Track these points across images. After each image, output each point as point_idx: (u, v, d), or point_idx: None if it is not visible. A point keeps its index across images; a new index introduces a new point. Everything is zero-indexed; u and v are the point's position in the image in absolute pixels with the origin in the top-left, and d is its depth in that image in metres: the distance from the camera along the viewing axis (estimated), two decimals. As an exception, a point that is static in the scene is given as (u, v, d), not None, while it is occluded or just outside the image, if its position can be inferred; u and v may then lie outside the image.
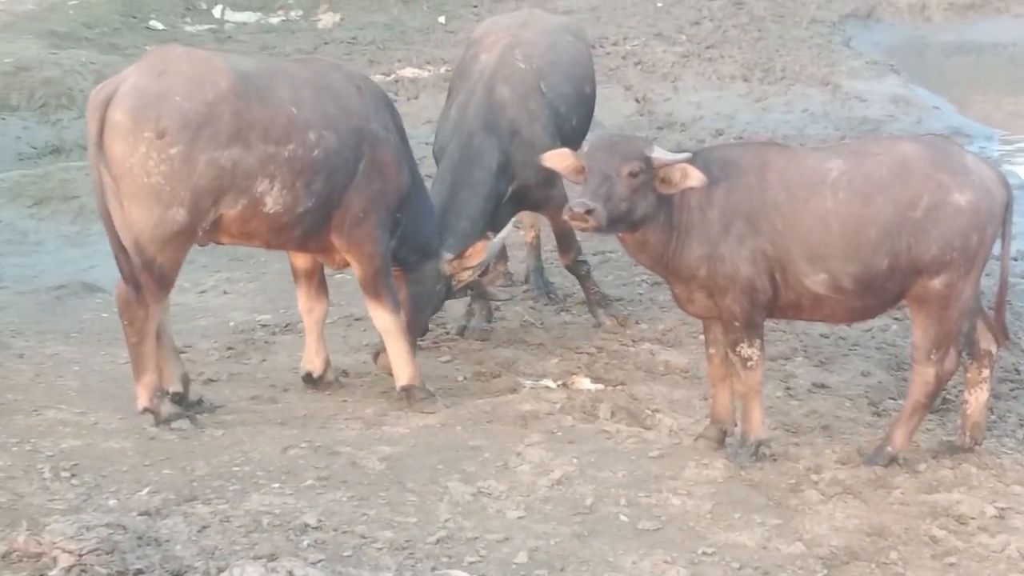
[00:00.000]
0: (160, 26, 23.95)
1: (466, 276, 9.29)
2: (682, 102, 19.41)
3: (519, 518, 7.16)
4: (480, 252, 9.22)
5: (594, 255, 12.06)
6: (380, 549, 6.62)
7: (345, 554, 6.51)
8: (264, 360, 9.83)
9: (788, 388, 9.37)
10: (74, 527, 6.17)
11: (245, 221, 8.08)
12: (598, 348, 10.02)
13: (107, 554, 6.02)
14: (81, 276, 12.19)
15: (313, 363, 9.02)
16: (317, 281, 8.97)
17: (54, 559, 6.01)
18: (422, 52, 22.58)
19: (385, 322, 8.69)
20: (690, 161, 7.56)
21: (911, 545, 7.03)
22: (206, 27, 24.42)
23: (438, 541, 6.79)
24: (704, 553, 6.84)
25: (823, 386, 9.48)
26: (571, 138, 9.83)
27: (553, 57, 10.32)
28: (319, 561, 6.26)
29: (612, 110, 18.12)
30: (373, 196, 8.46)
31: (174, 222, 7.77)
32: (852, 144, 8.72)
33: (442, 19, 25.39)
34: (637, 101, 19.34)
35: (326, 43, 23.57)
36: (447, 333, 10.46)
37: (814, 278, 7.65)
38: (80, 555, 5.99)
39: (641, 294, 11.42)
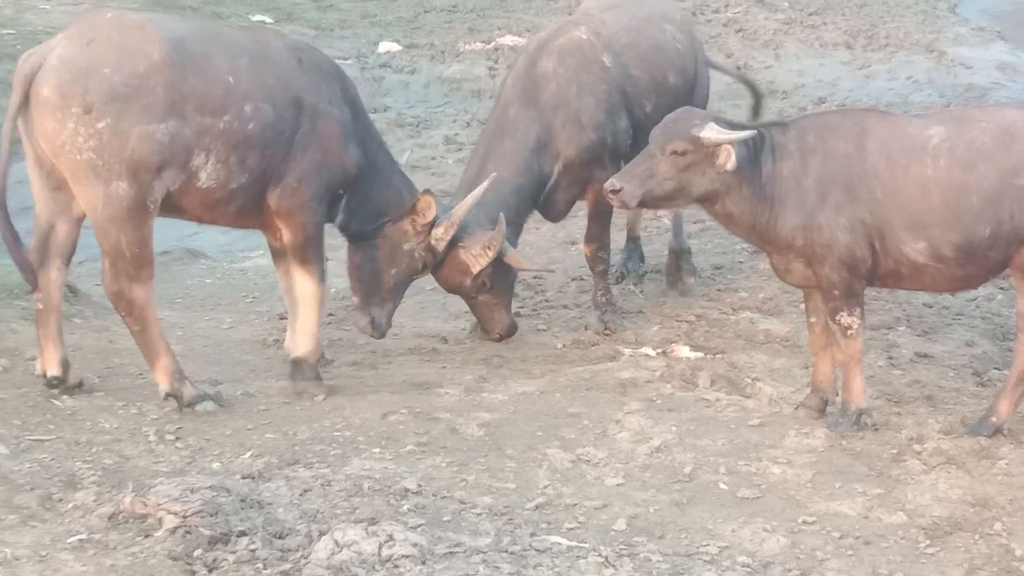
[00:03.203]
0: (262, -7, 24.06)
1: (440, 233, 8.77)
2: (784, 70, 19.25)
3: (618, 485, 7.17)
4: (429, 207, 8.68)
5: (694, 223, 12.01)
6: (479, 514, 6.66)
7: (444, 519, 6.56)
8: (365, 327, 9.89)
9: (891, 358, 9.29)
10: (179, 489, 6.27)
11: (179, 197, 7.80)
12: (697, 316, 9.98)
13: (211, 516, 6.11)
14: (185, 242, 12.30)
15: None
16: None
17: (159, 520, 6.12)
18: (522, 20, 22.51)
19: (306, 289, 8.42)
20: (761, 135, 7.56)
21: (1016, 516, 6.94)
22: (307, -7, 24.48)
23: (537, 507, 6.82)
24: (804, 522, 6.81)
25: (926, 356, 9.38)
26: (644, 124, 9.09)
27: (630, 38, 9.83)
28: (419, 526, 6.30)
29: (713, 78, 17.95)
30: (310, 168, 8.14)
31: (119, 197, 7.45)
32: (955, 111, 8.57)
33: (543, -14, 25.26)
34: (738, 69, 19.18)
35: (426, 11, 23.55)
36: (546, 301, 10.47)
37: (914, 246, 7.56)
38: (184, 517, 6.08)
39: (741, 262, 11.37)
